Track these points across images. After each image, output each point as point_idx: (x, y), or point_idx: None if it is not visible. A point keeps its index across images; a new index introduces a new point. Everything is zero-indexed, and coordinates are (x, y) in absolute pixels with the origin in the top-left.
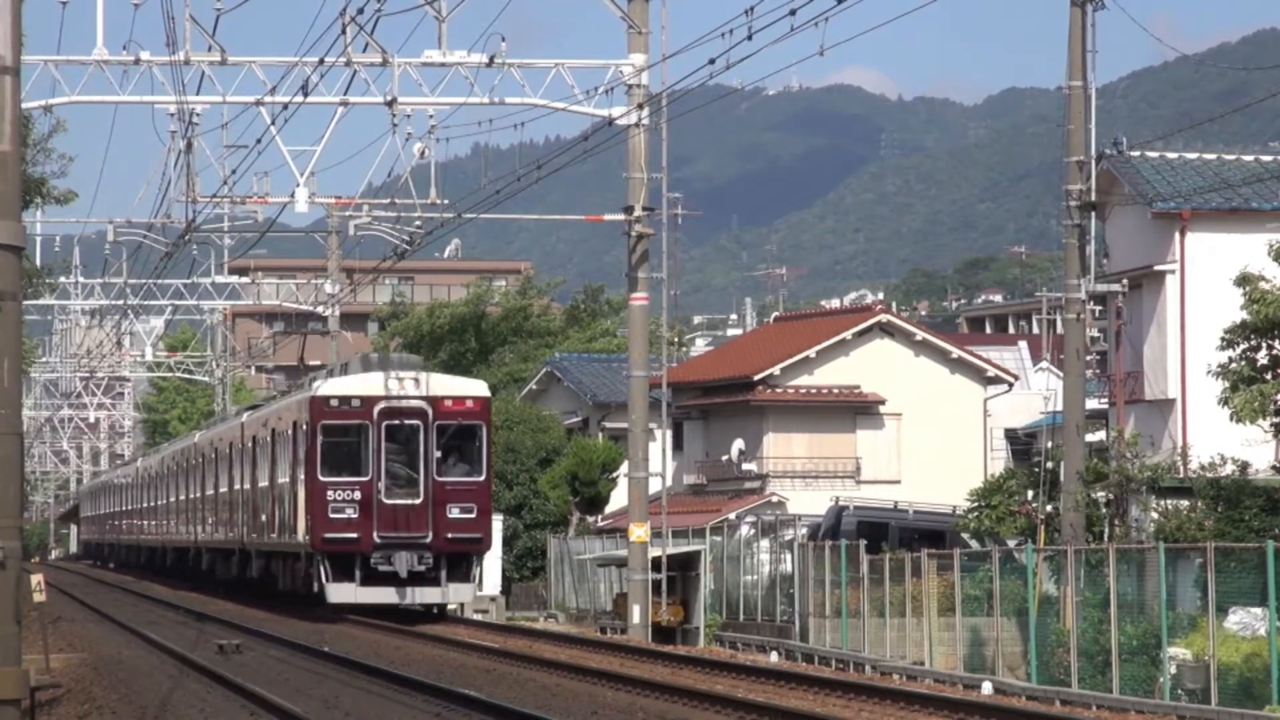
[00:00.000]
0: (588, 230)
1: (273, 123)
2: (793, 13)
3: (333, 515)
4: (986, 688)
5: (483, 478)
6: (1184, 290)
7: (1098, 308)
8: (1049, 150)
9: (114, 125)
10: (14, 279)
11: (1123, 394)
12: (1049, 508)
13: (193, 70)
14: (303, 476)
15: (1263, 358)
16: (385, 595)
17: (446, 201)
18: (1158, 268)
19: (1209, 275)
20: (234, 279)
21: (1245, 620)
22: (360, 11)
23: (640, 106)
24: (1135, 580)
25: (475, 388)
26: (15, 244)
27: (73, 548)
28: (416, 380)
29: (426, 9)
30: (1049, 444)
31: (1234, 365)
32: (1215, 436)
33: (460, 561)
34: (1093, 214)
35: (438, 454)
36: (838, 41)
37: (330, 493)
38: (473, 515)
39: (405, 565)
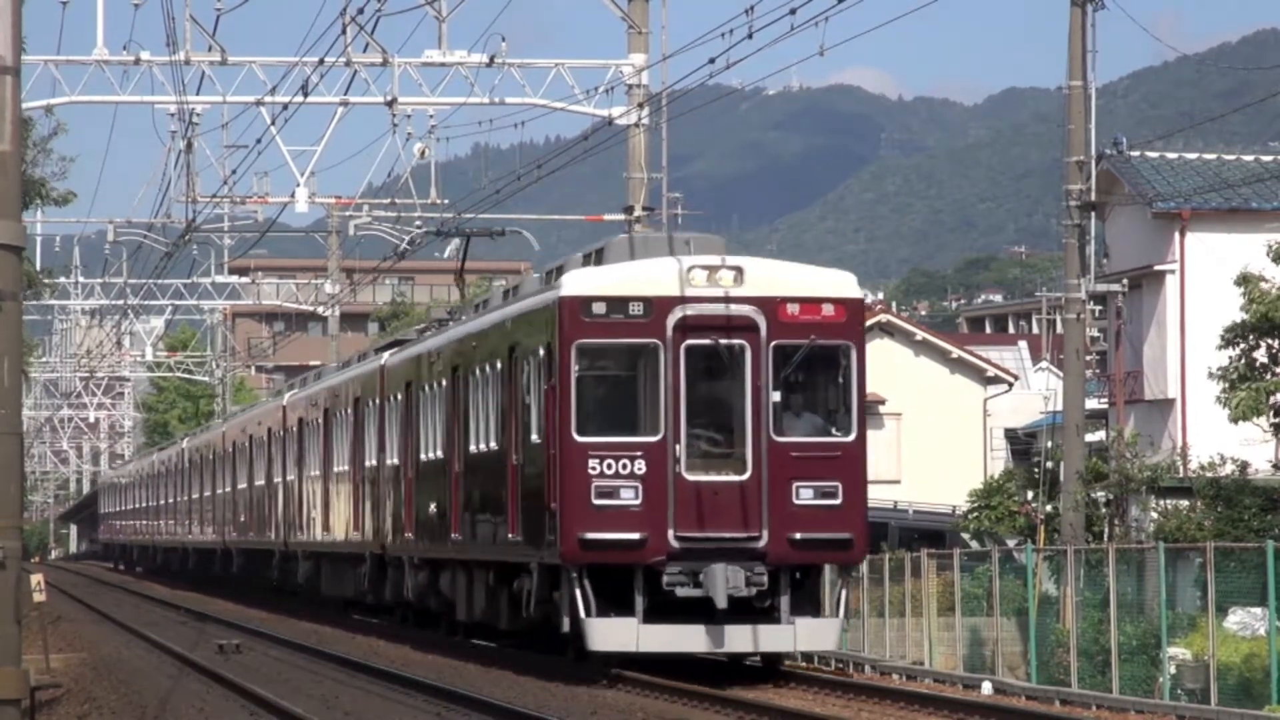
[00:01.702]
0: (588, 230)
1: (273, 123)
2: (793, 12)
3: (598, 502)
4: (986, 688)
5: (852, 435)
6: (1184, 290)
7: (1098, 308)
8: (1049, 150)
9: (114, 125)
10: (14, 279)
11: (1123, 394)
12: (1049, 508)
13: (193, 70)
14: (534, 438)
15: (1262, 357)
16: (689, 638)
17: (446, 201)
18: (1158, 268)
19: (1209, 275)
20: (234, 279)
21: (1245, 620)
22: (360, 11)
23: (640, 106)
24: (1135, 580)
25: (836, 283)
26: (15, 244)
27: (73, 547)
28: (738, 272)
29: (426, 9)
30: (1049, 444)
31: (1233, 365)
32: (1215, 436)
33: (807, 578)
34: (1093, 214)
35: (776, 396)
36: (838, 41)
37: (594, 463)
38: (835, 501)
39: (722, 587)
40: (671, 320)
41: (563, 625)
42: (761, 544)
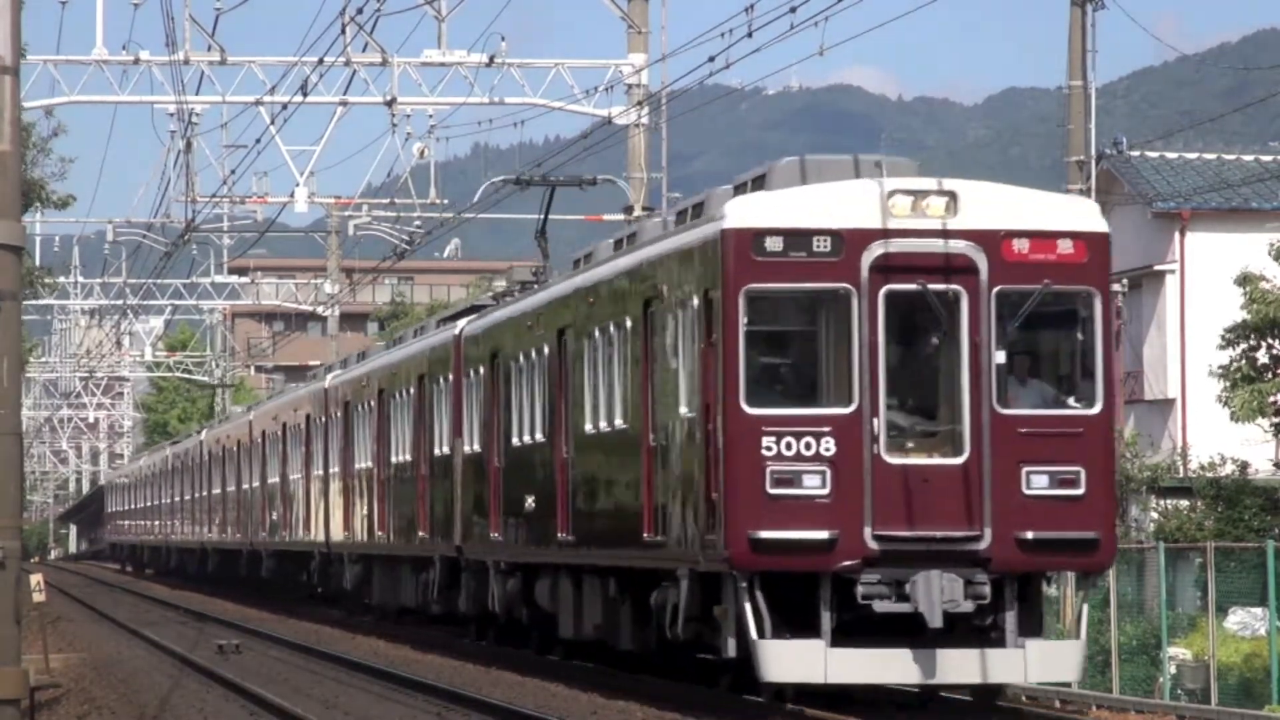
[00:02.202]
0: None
1: (272, 122)
2: (793, 10)
3: (774, 491)
4: None
5: (1096, 408)
6: (1184, 290)
7: None
8: (1049, 150)
9: (114, 125)
10: (14, 279)
11: (1123, 394)
12: None
13: (192, 70)
14: (683, 411)
15: (1262, 357)
16: (891, 666)
17: (446, 201)
18: (1158, 268)
19: (1209, 275)
20: (233, 279)
21: (1245, 620)
22: (360, 11)
23: (640, 105)
24: (1135, 580)
25: (1076, 212)
26: (15, 244)
27: (73, 547)
28: (951, 198)
29: (426, 9)
30: None
31: (1234, 365)
32: (1215, 436)
33: (1028, 588)
34: None
35: (999, 357)
36: (838, 41)
37: (769, 442)
38: (1077, 491)
39: (936, 599)
40: (868, 259)
41: (725, 649)
42: (983, 545)
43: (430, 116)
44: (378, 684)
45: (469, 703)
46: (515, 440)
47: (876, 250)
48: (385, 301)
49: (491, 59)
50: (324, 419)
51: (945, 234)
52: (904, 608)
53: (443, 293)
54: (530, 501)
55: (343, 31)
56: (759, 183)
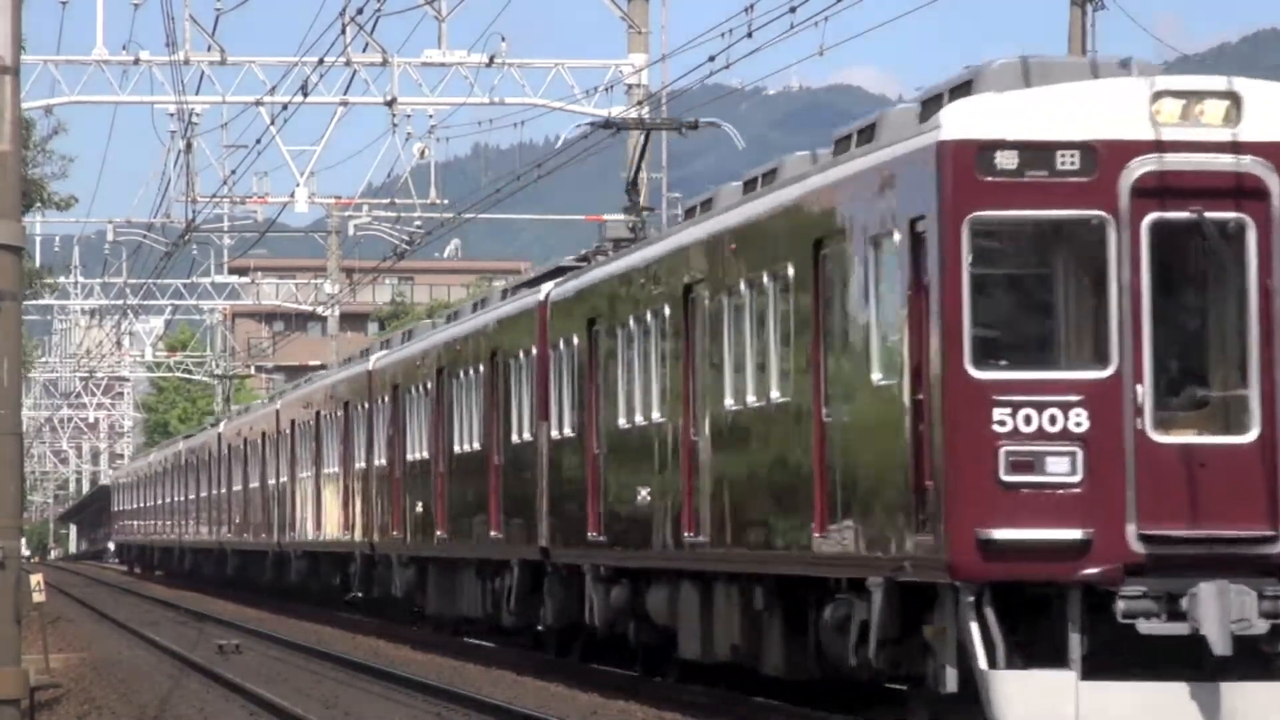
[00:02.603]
0: (588, 230)
1: (272, 123)
2: (793, 10)
3: (1010, 479)
4: None
5: None
6: None
7: None
8: None
9: (114, 125)
10: (14, 279)
11: None
12: None
13: (192, 70)
14: (875, 378)
15: None
16: (1164, 704)
17: (446, 201)
18: None
19: None
20: (234, 279)
21: None
22: (360, 11)
23: (640, 105)
24: None
25: None
26: (15, 244)
27: (72, 547)
28: (1233, 102)
29: (426, 9)
30: None
31: None
32: None
33: None
34: None
35: None
36: (838, 41)
37: (1002, 415)
38: None
39: (1223, 619)
40: (1128, 180)
41: (941, 681)
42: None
43: (430, 116)
44: (378, 684)
45: (469, 703)
46: (622, 422)
47: (1140, 169)
48: (385, 301)
49: (491, 59)
50: (367, 405)
51: (1231, 147)
52: (1179, 629)
53: (443, 293)
54: (644, 494)
55: (343, 31)
56: (963, 90)
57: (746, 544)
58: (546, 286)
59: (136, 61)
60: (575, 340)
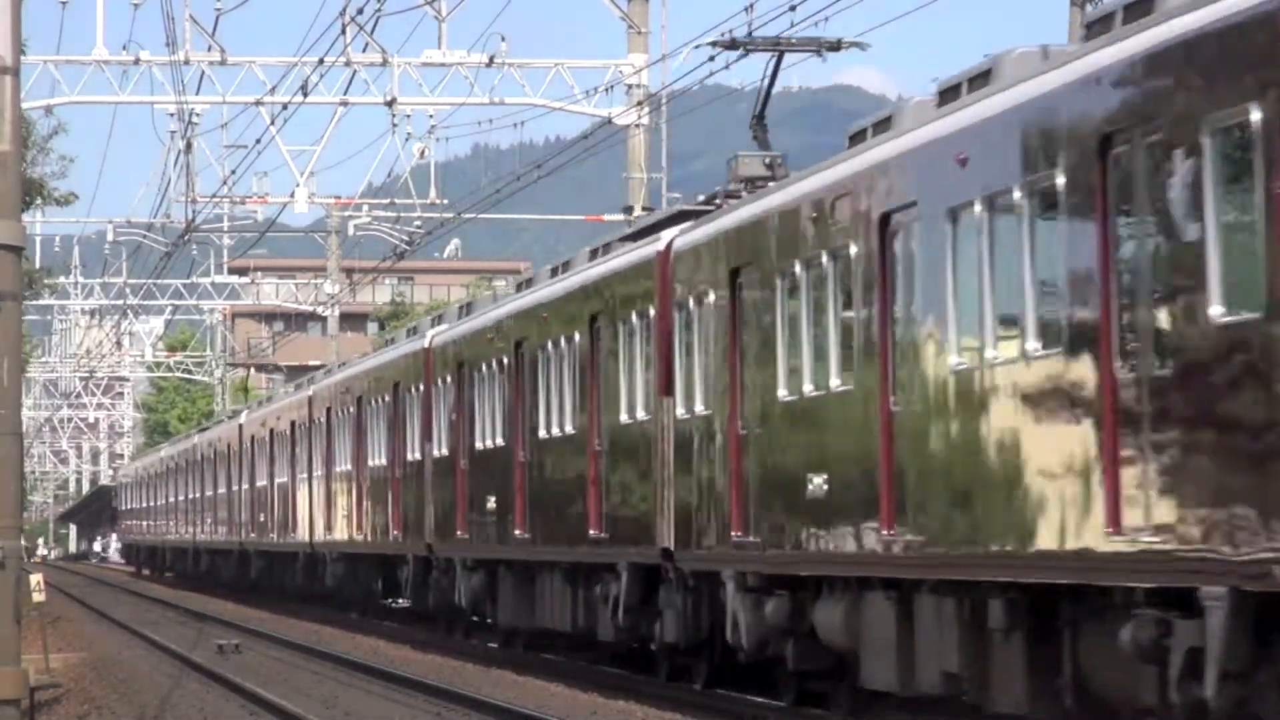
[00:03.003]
0: (588, 230)
1: (272, 123)
2: (793, 9)
3: None
4: None
5: None
6: None
7: None
8: None
9: (114, 125)
10: (14, 279)
11: None
12: None
13: (192, 70)
14: (1214, 310)
15: None
16: None
17: (446, 201)
18: None
19: None
20: (233, 279)
21: None
22: (360, 11)
23: (640, 105)
24: None
25: None
26: (15, 244)
27: (72, 547)
28: None
29: (426, 9)
30: None
31: None
32: None
33: None
34: None
35: None
36: (838, 42)
37: None
38: None
39: None
40: None
41: None
42: None
43: (430, 116)
44: (378, 684)
45: (469, 703)
46: (783, 393)
47: None
48: (385, 301)
49: (491, 59)
50: (421, 387)
51: None
52: None
53: (443, 293)
54: (823, 482)
55: (343, 31)
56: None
57: (978, 543)
58: (668, 234)
59: (136, 61)
60: (711, 296)
